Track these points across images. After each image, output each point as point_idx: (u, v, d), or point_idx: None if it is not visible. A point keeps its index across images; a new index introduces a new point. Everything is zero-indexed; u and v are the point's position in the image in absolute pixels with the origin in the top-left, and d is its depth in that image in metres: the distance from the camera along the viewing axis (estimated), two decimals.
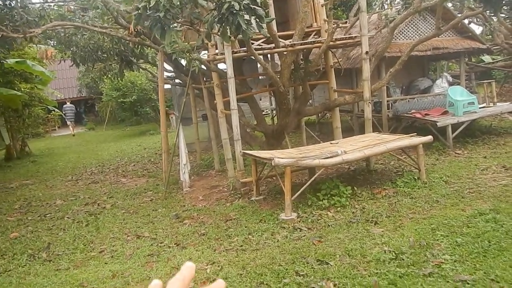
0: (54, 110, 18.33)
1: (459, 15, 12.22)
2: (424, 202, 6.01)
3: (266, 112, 19.45)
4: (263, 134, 10.30)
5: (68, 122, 25.89)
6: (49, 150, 19.86)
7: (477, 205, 5.60)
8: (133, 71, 13.65)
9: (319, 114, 14.38)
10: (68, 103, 25.91)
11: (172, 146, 9.18)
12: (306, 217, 6.14)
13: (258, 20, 4.05)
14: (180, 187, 9.01)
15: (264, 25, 4.14)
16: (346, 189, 6.71)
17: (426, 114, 9.98)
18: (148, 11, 3.72)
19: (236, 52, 7.79)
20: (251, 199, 7.41)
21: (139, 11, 3.85)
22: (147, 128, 22.82)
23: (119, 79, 13.17)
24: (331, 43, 8.21)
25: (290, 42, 8.02)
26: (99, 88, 22.61)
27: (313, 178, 6.55)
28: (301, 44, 8.03)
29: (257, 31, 4.28)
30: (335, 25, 7.51)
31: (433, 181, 6.93)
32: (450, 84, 12.07)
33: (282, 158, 6.38)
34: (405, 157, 7.66)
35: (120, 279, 4.72)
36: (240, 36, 4.17)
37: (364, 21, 7.95)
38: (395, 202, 6.19)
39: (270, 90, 9.28)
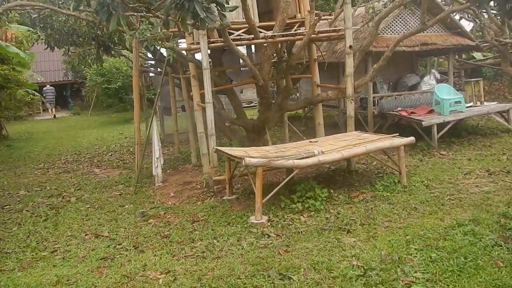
0: (33, 94, 17.66)
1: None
2: (402, 209, 5.68)
3: (254, 104, 19.07)
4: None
5: (48, 105, 25.49)
6: (29, 134, 19.31)
7: (456, 214, 5.29)
8: (113, 57, 13.10)
9: (306, 108, 13.99)
10: (48, 86, 25.37)
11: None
12: (277, 222, 5.79)
13: (219, 8, 3.63)
14: (153, 182, 8.61)
15: (227, 14, 3.73)
16: (322, 192, 6.36)
17: (411, 113, 9.65)
18: None
19: (213, 42, 7.34)
20: (223, 198, 7.04)
21: None
22: (132, 116, 22.31)
23: (98, 64, 12.62)
24: (313, 35, 7.78)
25: (271, 33, 7.58)
26: (84, 72, 21.96)
27: (286, 180, 6.18)
28: (282, 36, 7.60)
29: (220, 20, 3.86)
30: (318, 17, 7.08)
31: (414, 185, 6.61)
32: (439, 81, 11.74)
33: (254, 157, 6.00)
34: (386, 159, 7.32)
35: (64, 287, 4.33)
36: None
37: (348, 14, 7.53)
38: (372, 208, 5.85)
39: (251, 83, 8.85)
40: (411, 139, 6.77)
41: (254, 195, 7.01)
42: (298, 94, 15.22)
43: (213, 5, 3.77)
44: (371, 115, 10.46)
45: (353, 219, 5.52)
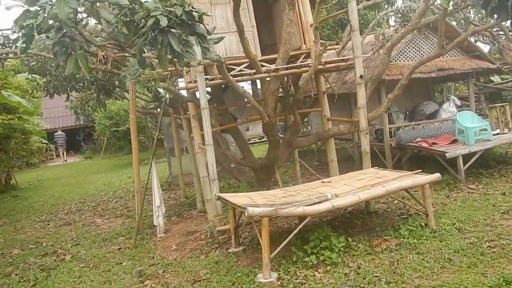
0: (41, 142, 17.42)
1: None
2: (434, 261, 4.84)
3: (266, 139, 18.47)
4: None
5: (59, 150, 25.68)
6: (38, 182, 18.98)
7: (500, 267, 4.44)
8: (117, 99, 12.75)
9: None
10: (59, 131, 25.88)
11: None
12: (289, 280, 5.00)
13: (201, 41, 3.05)
14: (155, 232, 7.93)
15: (211, 47, 3.15)
16: (339, 241, 5.57)
17: (433, 143, 8.87)
18: (36, 30, 2.76)
19: (211, 80, 6.82)
20: (229, 251, 6.29)
21: (24, 31, 2.88)
22: (143, 158, 21.90)
23: (102, 108, 12.24)
24: (320, 66, 7.23)
25: (274, 67, 7.04)
26: (92, 116, 21.82)
27: (297, 230, 5.42)
28: (286, 69, 7.04)
29: (203, 55, 3.28)
30: (323, 47, 6.51)
31: (444, 229, 5.77)
32: (459, 108, 10.99)
33: (259, 205, 5.29)
34: (409, 197, 6.52)
35: None
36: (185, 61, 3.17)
37: (357, 42, 6.95)
38: (398, 260, 5.03)
39: (256, 120, 8.27)
40: (437, 176, 5.99)
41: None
42: (309, 128, 14.60)
43: (194, 38, 3.19)
44: (389, 147, 9.70)
45: (377, 275, 4.71)
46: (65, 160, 25.81)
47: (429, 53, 9.94)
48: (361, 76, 6.98)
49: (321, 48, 6.54)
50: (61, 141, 25.84)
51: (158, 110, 11.63)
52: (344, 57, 7.43)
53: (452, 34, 9.81)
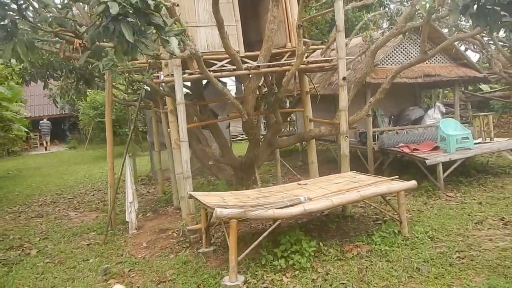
0: (21, 130, 17.05)
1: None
2: (402, 270, 4.74)
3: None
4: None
5: (43, 139, 25.26)
6: (17, 171, 18.60)
7: (468, 279, 4.35)
8: (98, 89, 12.48)
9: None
10: (44, 120, 25.39)
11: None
12: (255, 284, 4.87)
13: (159, 32, 2.88)
14: (128, 228, 7.73)
15: (174, 40, 2.97)
16: (310, 246, 5.44)
17: (414, 149, 8.79)
18: None
19: (190, 74, 6.64)
20: (199, 251, 6.13)
21: None
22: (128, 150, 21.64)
23: (81, 98, 12.00)
24: (303, 66, 7.08)
25: (255, 64, 6.88)
26: (77, 106, 21.45)
27: (266, 233, 5.28)
28: (268, 67, 6.88)
29: (162, 47, 3.11)
30: (306, 46, 6.37)
31: (417, 237, 5.67)
32: (444, 114, 10.94)
33: (227, 206, 5.13)
34: (384, 205, 6.42)
35: None
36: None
37: (341, 42, 6.81)
38: (367, 267, 4.92)
39: (237, 117, 8.10)
40: (413, 183, 5.88)
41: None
42: (296, 127, 14.47)
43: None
44: (371, 151, 9.60)
45: (344, 283, 4.59)
46: (47, 149, 25.47)
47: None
48: (344, 78, 6.85)
49: (303, 47, 6.39)
50: (45, 130, 25.31)
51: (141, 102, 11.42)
52: (327, 58, 7.28)
53: (441, 40, 9.71)
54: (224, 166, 9.40)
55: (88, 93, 19.45)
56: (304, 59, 7.13)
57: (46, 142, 25.90)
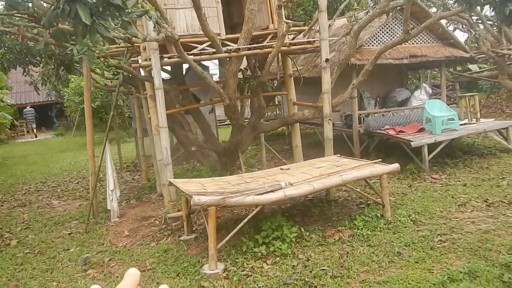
0: (4, 117, 16.72)
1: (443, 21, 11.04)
2: (383, 254, 4.68)
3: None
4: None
5: (29, 126, 25.18)
6: (3, 159, 18.31)
7: (448, 263, 4.30)
8: (81, 75, 12.19)
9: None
10: (28, 107, 25.07)
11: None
12: (235, 272, 4.79)
13: (119, 13, 2.71)
14: (110, 217, 7.62)
15: (170, 23, 2.78)
16: (291, 231, 5.37)
17: (400, 131, 8.72)
18: None
19: (169, 58, 6.43)
20: (180, 239, 6.04)
21: None
22: (114, 136, 21.39)
23: (62, 84, 11.72)
24: (284, 48, 6.91)
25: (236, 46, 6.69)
26: (61, 92, 21.05)
27: (247, 219, 5.19)
28: (248, 49, 6.70)
29: (121, 30, 2.94)
30: (287, 27, 6.18)
31: (399, 220, 5.62)
32: (431, 96, 10.85)
33: (206, 194, 5.02)
34: (369, 189, 6.36)
35: None
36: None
37: (324, 23, 6.64)
38: (348, 252, 4.86)
39: (220, 102, 7.92)
40: (395, 166, 5.80)
41: (217, 234, 6.09)
42: (282, 111, 14.33)
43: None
44: (357, 134, 9.51)
45: (324, 269, 4.53)
46: (36, 136, 25.23)
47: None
48: (326, 60, 6.70)
49: (285, 28, 6.21)
50: (30, 117, 25.00)
51: (122, 88, 11.18)
52: (310, 39, 7.11)
53: (428, 19, 9.57)
54: (208, 151, 9.27)
55: (73, 79, 19.14)
56: (287, 41, 6.95)
57: (33, 129, 25.48)
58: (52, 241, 6.85)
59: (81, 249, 6.33)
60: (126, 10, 2.69)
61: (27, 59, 9.65)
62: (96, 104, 19.60)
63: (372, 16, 6.49)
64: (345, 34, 8.31)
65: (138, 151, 13.28)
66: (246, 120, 9.30)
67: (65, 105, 22.68)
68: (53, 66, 10.05)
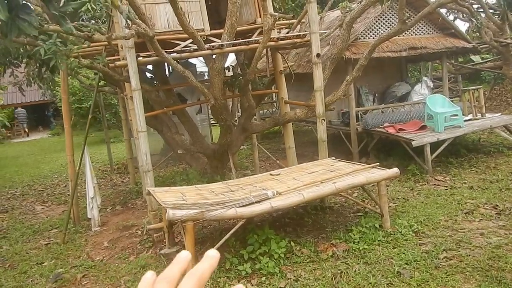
0: None
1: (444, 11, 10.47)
2: (381, 275, 4.17)
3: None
4: None
5: (20, 126, 25.41)
6: None
7: (456, 286, 3.78)
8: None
9: None
10: (19, 108, 25.16)
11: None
12: None
13: (47, 6, 2.19)
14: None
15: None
16: (279, 246, 4.86)
17: (400, 129, 8.17)
18: None
19: (146, 56, 5.91)
20: (160, 252, 5.56)
21: None
22: (110, 136, 20.92)
23: (47, 85, 11.19)
24: (272, 43, 6.37)
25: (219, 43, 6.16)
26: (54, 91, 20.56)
27: (229, 235, 4.68)
28: (233, 45, 6.16)
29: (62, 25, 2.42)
30: (273, 20, 5.64)
31: (400, 231, 5.10)
32: (432, 89, 10.29)
33: (182, 207, 4.52)
34: (364, 196, 5.84)
35: None
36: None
37: (313, 15, 6.10)
38: (342, 272, 4.35)
39: (207, 101, 7.40)
40: (394, 172, 5.26)
41: (201, 246, 5.61)
42: (277, 109, 13.80)
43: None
44: (355, 132, 8.98)
45: None
46: (28, 135, 25.37)
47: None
48: (317, 55, 6.16)
49: (271, 21, 5.67)
50: (21, 118, 25.16)
51: (109, 88, 10.69)
52: (299, 33, 6.56)
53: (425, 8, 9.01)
54: (198, 154, 8.77)
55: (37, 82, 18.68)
56: (275, 36, 6.41)
57: (24, 130, 25.70)
58: (27, 253, 6.37)
59: (56, 263, 5.84)
60: (56, 3, 2.16)
61: (7, 60, 9.16)
62: (89, 103, 19.15)
63: (365, 6, 5.94)
64: (338, 26, 7.74)
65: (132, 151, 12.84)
66: (237, 120, 8.81)
67: (58, 104, 22.24)
68: (35, 67, 9.53)
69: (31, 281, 5.37)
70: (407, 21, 5.67)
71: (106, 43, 6.26)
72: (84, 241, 6.59)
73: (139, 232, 6.55)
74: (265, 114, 14.53)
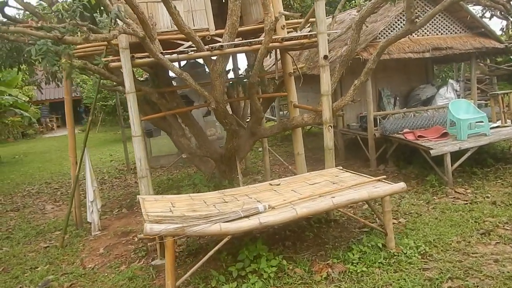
0: (21, 114, 16.61)
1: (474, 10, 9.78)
2: None
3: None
4: None
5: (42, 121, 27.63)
6: (24, 155, 18.39)
7: None
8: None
9: None
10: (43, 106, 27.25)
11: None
12: None
13: None
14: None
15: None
16: (270, 265, 4.51)
17: (419, 136, 7.61)
18: None
19: (141, 58, 5.67)
20: (151, 263, 5.31)
21: None
22: (128, 134, 21.08)
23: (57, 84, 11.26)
24: (277, 44, 5.99)
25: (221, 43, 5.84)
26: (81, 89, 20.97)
27: (212, 252, 4.35)
28: (235, 46, 5.83)
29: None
30: (275, 19, 5.27)
31: (404, 253, 4.62)
32: (460, 93, 9.61)
33: (162, 220, 4.24)
34: (369, 213, 5.39)
35: None
36: None
37: (321, 14, 5.67)
38: None
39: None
40: (400, 187, 4.78)
41: (193, 258, 5.35)
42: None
43: None
44: (372, 138, 8.46)
45: None
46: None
47: (425, 29, 8.57)
48: (325, 57, 5.74)
49: (271, 21, 5.30)
50: (45, 113, 27.70)
51: (121, 87, 10.59)
52: (306, 34, 6.14)
53: (454, 7, 8.38)
54: (208, 158, 8.51)
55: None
56: (279, 36, 6.04)
57: (47, 124, 28.28)
58: (25, 256, 6.29)
59: (49, 268, 5.71)
60: None
61: (22, 58, 9.21)
62: (113, 101, 19.35)
63: (374, 4, 5.45)
64: (349, 27, 7.25)
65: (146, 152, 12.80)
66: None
67: (84, 102, 22.65)
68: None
69: (20, 287, 5.26)
70: (415, 21, 5.13)
71: (106, 43, 6.08)
72: (82, 246, 6.45)
73: (136, 240, 6.34)
74: (286, 115, 14.14)
